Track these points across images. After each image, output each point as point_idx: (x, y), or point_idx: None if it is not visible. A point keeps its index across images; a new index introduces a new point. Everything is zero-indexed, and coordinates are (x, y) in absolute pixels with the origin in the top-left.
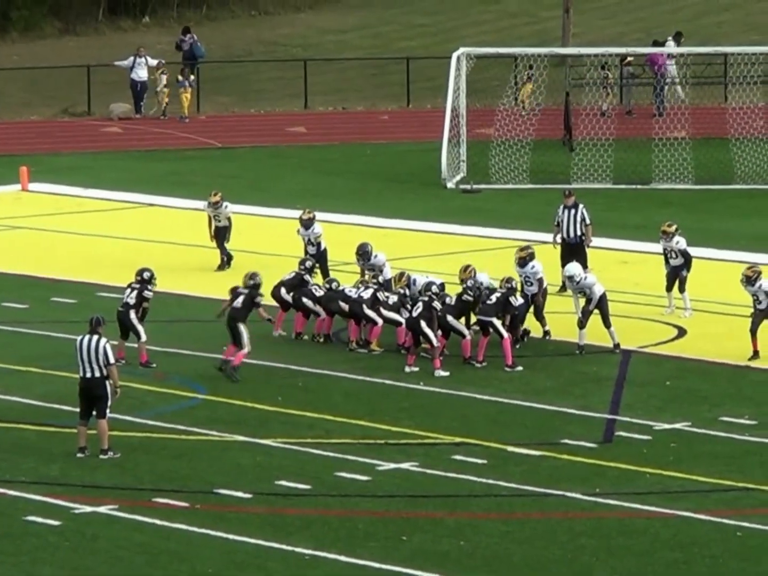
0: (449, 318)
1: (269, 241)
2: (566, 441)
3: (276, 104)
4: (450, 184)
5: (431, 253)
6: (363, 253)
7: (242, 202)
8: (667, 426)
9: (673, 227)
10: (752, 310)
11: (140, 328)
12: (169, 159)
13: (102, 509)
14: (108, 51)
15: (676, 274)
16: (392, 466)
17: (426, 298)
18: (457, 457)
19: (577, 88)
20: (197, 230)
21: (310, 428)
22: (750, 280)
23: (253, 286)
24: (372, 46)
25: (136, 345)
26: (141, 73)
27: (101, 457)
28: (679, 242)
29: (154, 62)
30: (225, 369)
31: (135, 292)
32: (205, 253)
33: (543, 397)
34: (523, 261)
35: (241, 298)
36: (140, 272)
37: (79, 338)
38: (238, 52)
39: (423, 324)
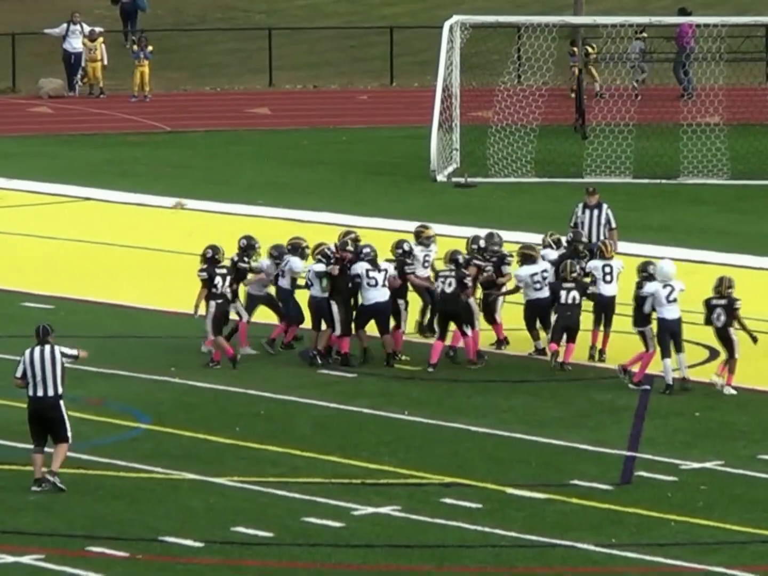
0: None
1: (226, 243)
2: (577, 482)
3: (235, 81)
4: (440, 177)
5: None
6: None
7: (194, 196)
8: (696, 465)
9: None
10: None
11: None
12: (108, 145)
13: (26, 559)
14: (37, 17)
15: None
16: (370, 510)
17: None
18: (447, 500)
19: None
20: (139, 228)
21: (273, 465)
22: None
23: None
24: (349, 13)
25: None
26: (75, 43)
27: (47, 477)
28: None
29: (94, 30)
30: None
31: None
32: (149, 256)
33: (549, 430)
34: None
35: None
36: (240, 240)
37: (27, 351)
38: (190, 19)
39: None
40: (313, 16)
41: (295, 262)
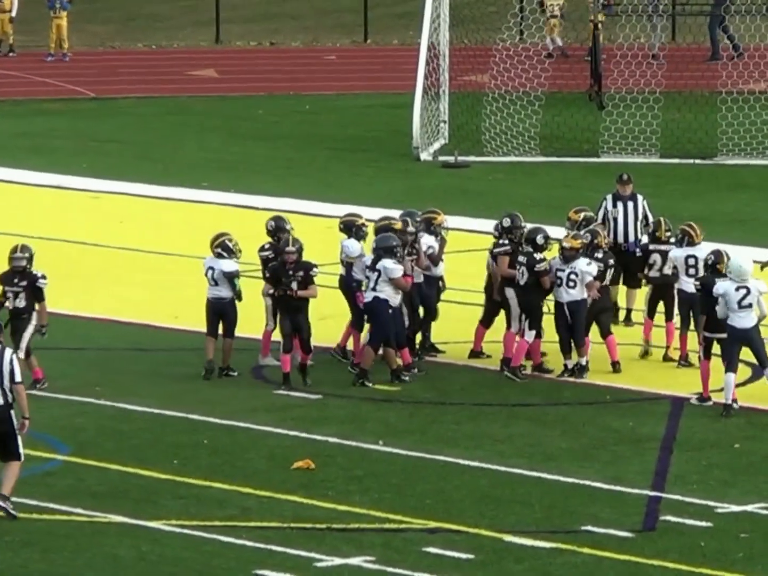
0: None
1: (163, 234)
2: (590, 528)
3: (174, 37)
4: (425, 155)
5: None
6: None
7: (125, 178)
8: (735, 508)
9: (581, 214)
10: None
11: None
12: (19, 114)
13: None
14: None
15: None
16: (338, 561)
17: None
18: (432, 549)
19: (609, 17)
20: (57, 216)
21: (220, 506)
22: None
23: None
24: None
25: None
26: None
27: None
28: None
29: None
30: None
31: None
32: (68, 249)
33: (556, 464)
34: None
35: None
36: (268, 223)
37: None
38: None
39: None
40: None
41: (350, 244)
